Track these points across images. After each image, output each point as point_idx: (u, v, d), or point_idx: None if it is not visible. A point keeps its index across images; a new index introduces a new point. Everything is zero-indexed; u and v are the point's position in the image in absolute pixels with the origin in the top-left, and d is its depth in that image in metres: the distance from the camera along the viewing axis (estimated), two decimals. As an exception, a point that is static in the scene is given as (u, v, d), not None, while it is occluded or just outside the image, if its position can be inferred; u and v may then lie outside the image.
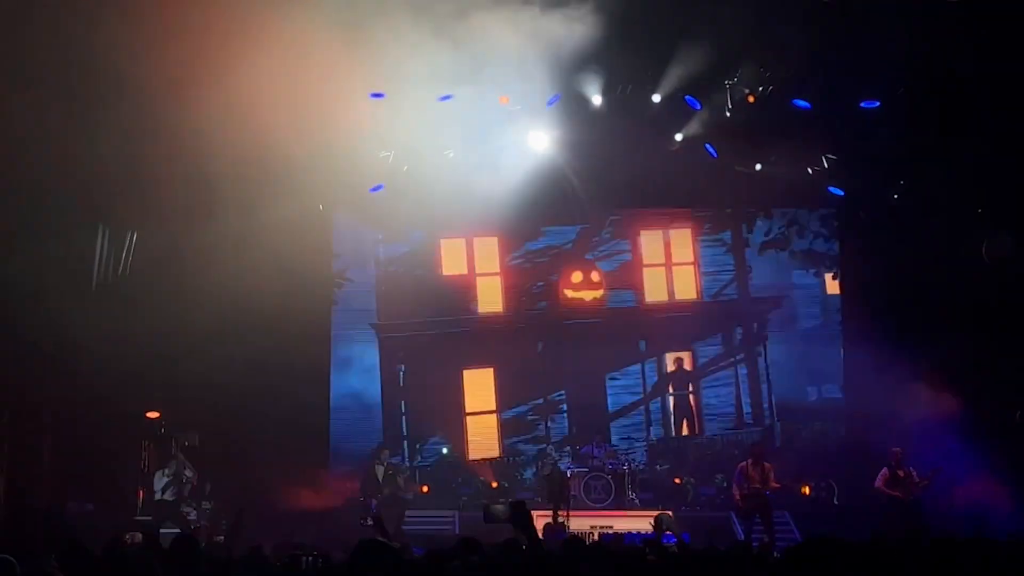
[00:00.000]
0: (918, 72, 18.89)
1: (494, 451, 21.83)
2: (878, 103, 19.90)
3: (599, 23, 17.71)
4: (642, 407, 21.77)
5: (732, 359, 21.83)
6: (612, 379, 22.18)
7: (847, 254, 23.44)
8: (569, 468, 21.40)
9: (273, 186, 18.63)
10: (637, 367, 21.78)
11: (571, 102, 20.23)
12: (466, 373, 21.51)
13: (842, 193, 22.53)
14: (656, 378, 22.06)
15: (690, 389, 21.97)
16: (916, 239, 21.19)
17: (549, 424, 21.64)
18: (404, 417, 21.68)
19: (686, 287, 21.91)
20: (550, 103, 20.39)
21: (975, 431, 19.97)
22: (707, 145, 21.56)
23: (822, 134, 20.82)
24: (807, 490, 22.22)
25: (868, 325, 21.39)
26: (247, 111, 15.64)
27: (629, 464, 22.10)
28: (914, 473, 19.33)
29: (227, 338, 19.82)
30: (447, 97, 19.71)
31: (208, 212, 18.62)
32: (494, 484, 21.80)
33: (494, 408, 21.61)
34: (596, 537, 18.79)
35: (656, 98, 20.14)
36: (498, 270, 21.85)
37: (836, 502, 22.39)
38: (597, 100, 20.01)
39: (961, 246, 20.57)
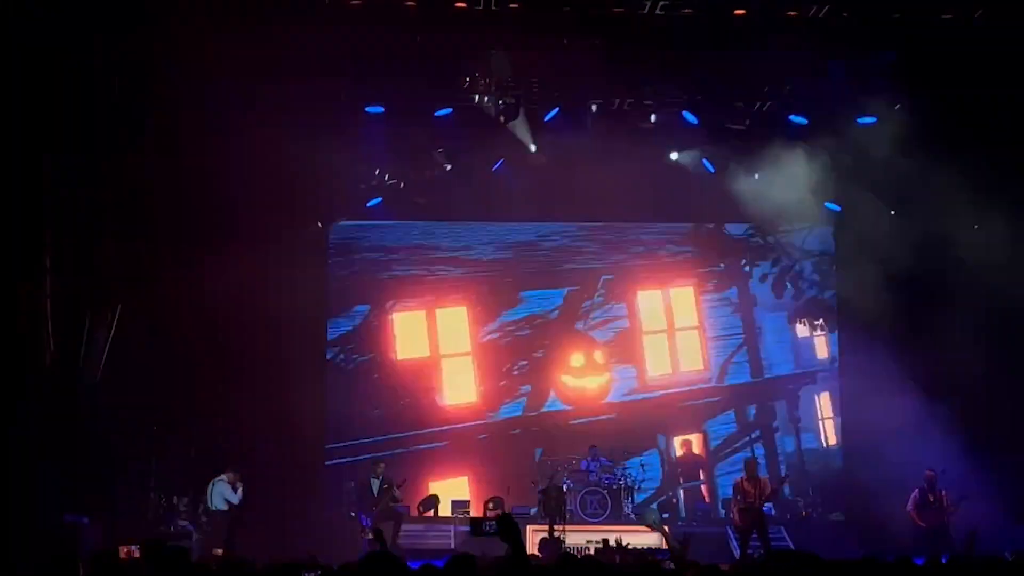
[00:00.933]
0: (914, 88, 18.95)
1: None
2: (875, 119, 19.95)
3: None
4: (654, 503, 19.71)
5: (748, 437, 19.68)
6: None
7: (843, 270, 23.47)
8: (566, 483, 21.38)
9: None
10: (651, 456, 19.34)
11: (568, 115, 20.29)
12: (432, 484, 18.94)
13: (839, 209, 22.58)
14: (662, 461, 19.74)
15: (702, 478, 20.19)
16: (914, 254, 21.24)
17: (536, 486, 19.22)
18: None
19: (692, 357, 19.43)
20: (548, 117, 20.46)
21: (972, 445, 20.02)
22: (704, 160, 21.64)
23: (819, 149, 20.82)
24: (805, 515, 22.19)
25: (864, 339, 21.39)
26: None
27: (625, 479, 22.10)
28: (945, 497, 19.30)
29: (222, 349, 19.92)
30: (445, 111, 19.82)
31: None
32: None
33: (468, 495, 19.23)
34: (591, 552, 18.78)
35: (653, 118, 20.16)
36: (469, 349, 18.79)
37: (832, 518, 22.42)
38: (594, 109, 19.99)
39: (958, 258, 20.60)
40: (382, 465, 20.86)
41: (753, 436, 19.84)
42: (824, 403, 20.76)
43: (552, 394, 19.02)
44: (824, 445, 20.75)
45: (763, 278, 22.19)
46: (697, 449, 20.00)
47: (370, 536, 14.72)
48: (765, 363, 19.85)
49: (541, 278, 19.22)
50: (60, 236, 16.17)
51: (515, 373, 18.96)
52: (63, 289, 16.42)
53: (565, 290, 19.42)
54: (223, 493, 19.33)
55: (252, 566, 9.23)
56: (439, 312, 18.50)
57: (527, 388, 19.10)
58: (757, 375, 19.79)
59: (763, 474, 20.05)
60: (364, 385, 18.52)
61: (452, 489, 19.02)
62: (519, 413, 18.87)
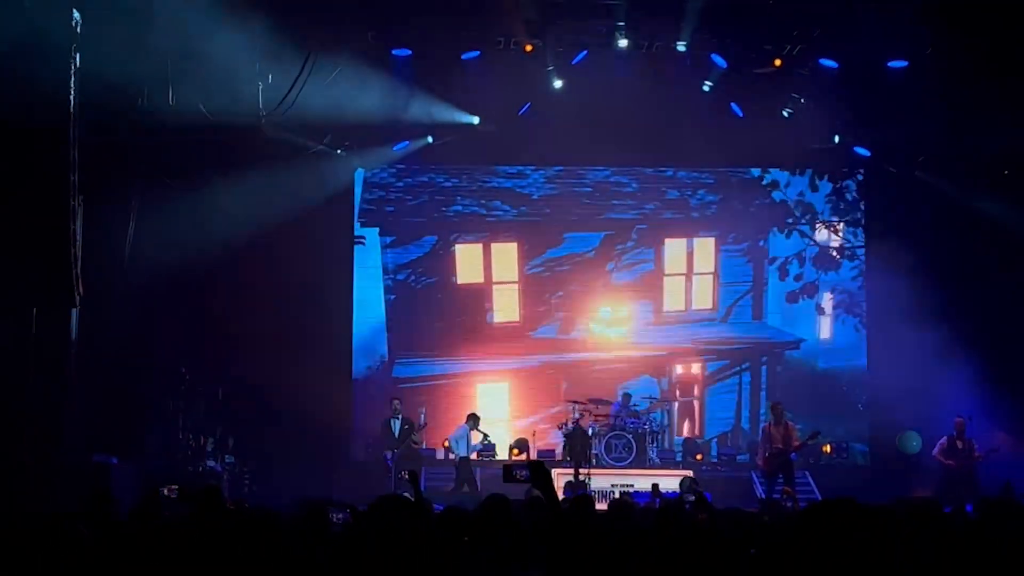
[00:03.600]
0: (946, 32, 18.73)
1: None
2: (906, 63, 19.76)
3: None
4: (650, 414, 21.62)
5: (738, 368, 22.01)
6: (623, 388, 21.73)
7: (872, 216, 23.36)
8: (591, 427, 21.46)
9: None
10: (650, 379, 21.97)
11: (597, 55, 20.18)
12: (480, 386, 21.51)
13: (868, 154, 22.43)
14: (666, 384, 22.13)
15: (695, 394, 22.05)
16: (942, 200, 21.13)
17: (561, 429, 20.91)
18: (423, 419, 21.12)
19: (703, 296, 21.75)
20: (575, 60, 20.35)
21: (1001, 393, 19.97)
22: (732, 104, 21.48)
23: (849, 93, 20.63)
24: (828, 449, 22.20)
25: (892, 288, 21.30)
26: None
27: (650, 423, 22.20)
28: (975, 445, 19.29)
29: (251, 293, 19.99)
30: (472, 54, 19.75)
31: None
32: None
33: (506, 418, 21.55)
34: (617, 495, 18.90)
35: (681, 46, 19.91)
36: (516, 279, 21.50)
37: (857, 463, 22.47)
38: (623, 43, 19.83)
39: (986, 206, 20.46)
40: (398, 402, 20.94)
41: (743, 367, 22.00)
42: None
43: (580, 324, 21.83)
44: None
45: (787, 227, 23.09)
46: (696, 371, 22.14)
47: (405, 477, 14.81)
48: (766, 310, 22.08)
49: (583, 223, 21.76)
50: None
51: (552, 301, 21.74)
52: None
53: (602, 234, 21.92)
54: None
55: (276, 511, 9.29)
56: (494, 246, 21.45)
57: (561, 315, 21.79)
58: (757, 318, 22.05)
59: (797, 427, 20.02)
60: (428, 302, 21.36)
61: (491, 398, 21.47)
62: (553, 335, 21.68)
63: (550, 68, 20.18)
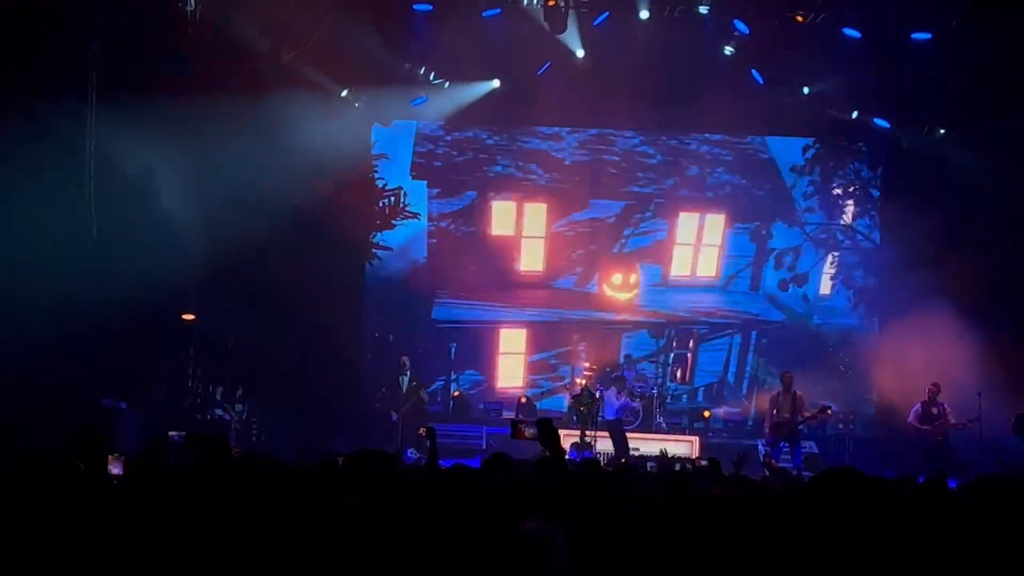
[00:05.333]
0: (971, 4, 18.57)
1: (519, 383, 23.21)
2: (930, 35, 19.61)
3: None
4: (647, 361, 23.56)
5: (730, 328, 23.76)
6: (627, 336, 23.71)
7: (889, 188, 23.29)
8: (599, 390, 21.48)
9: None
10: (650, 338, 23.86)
11: (617, 21, 20.07)
12: (503, 331, 23.49)
13: (888, 125, 22.30)
14: (664, 341, 23.91)
15: (689, 347, 23.76)
16: (962, 176, 20.98)
17: (570, 367, 23.24)
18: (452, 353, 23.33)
19: (708, 264, 23.51)
20: (597, 21, 20.25)
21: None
22: (753, 71, 21.36)
23: (871, 65, 20.49)
24: (828, 411, 22.12)
25: (907, 257, 21.27)
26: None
27: (658, 388, 22.25)
28: (948, 411, 19.21)
29: (260, 238, 19.95)
30: (493, 12, 19.66)
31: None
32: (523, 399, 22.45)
33: (523, 351, 23.47)
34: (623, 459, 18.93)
35: (703, 8, 19.79)
36: (543, 234, 23.38)
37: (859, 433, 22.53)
38: (644, 15, 19.74)
39: (1008, 183, 20.34)
40: (405, 360, 21.00)
41: (733, 328, 23.63)
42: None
43: (594, 280, 23.65)
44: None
45: (806, 195, 23.89)
46: (692, 329, 23.72)
47: (422, 433, 14.88)
48: (764, 283, 23.75)
49: (608, 192, 23.50)
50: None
51: (573, 257, 23.54)
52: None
53: (624, 203, 23.61)
54: None
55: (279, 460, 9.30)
56: (526, 205, 23.38)
57: (580, 270, 23.66)
58: (755, 289, 23.73)
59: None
60: (466, 248, 23.19)
61: (511, 342, 23.43)
62: (571, 286, 23.61)
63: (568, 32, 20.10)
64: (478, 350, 23.39)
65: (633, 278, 23.43)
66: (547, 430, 7.09)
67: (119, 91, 16.68)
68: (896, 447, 20.34)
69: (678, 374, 23.76)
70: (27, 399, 15.55)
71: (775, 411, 19.31)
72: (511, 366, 23.40)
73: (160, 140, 17.81)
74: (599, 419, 20.27)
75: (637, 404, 21.58)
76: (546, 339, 23.52)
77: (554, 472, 6.90)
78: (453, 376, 23.40)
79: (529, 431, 7.28)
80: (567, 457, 11.10)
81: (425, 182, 23.28)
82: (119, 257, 16.89)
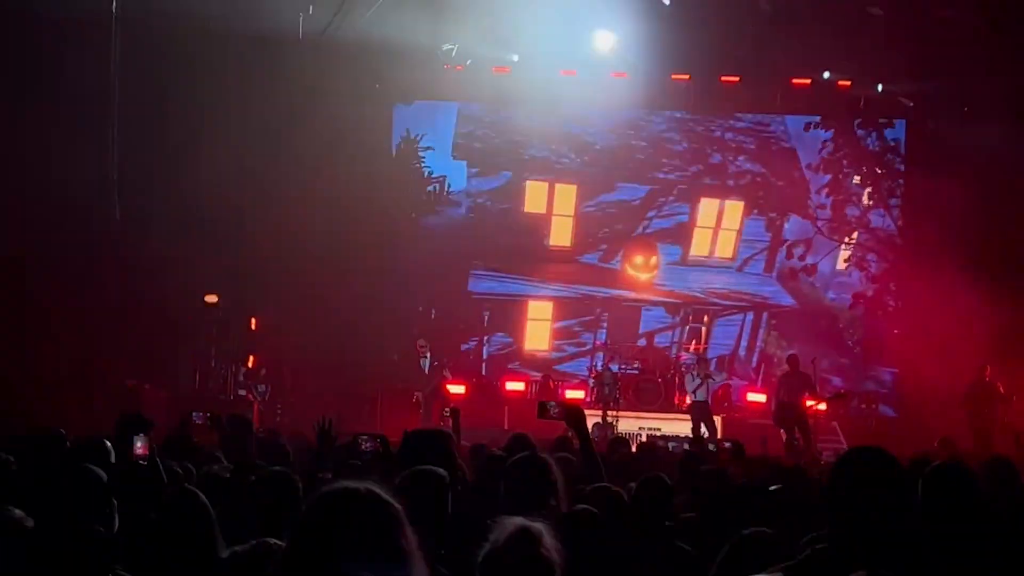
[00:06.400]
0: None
1: (545, 346, 24.17)
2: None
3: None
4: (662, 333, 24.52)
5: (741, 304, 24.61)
6: (646, 311, 24.54)
7: (914, 168, 23.23)
8: (621, 369, 21.52)
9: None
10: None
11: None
12: (531, 303, 24.61)
13: (911, 104, 22.22)
14: (680, 314, 24.79)
15: (704, 321, 24.66)
16: (985, 152, 20.85)
17: (592, 334, 24.21)
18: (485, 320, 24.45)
19: (725, 247, 24.47)
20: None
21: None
22: (777, 53, 21.30)
23: (894, 41, 20.41)
24: (844, 396, 22.12)
25: (931, 237, 21.21)
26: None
27: (679, 368, 22.27)
28: (1000, 387, 19.03)
29: (287, 225, 20.05)
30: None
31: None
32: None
33: (550, 318, 24.51)
34: (644, 438, 18.95)
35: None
36: (572, 213, 24.41)
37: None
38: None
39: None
40: (424, 343, 21.07)
41: (746, 307, 24.51)
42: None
43: (617, 257, 24.55)
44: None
45: (821, 187, 24.14)
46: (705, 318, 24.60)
47: (447, 413, 14.95)
48: (777, 266, 24.52)
49: (634, 176, 24.38)
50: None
51: (599, 234, 24.47)
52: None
53: (649, 188, 24.46)
54: None
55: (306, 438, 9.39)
56: (557, 186, 24.33)
57: (604, 246, 24.58)
58: (768, 271, 24.58)
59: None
60: (502, 222, 24.19)
61: (539, 311, 24.50)
62: (595, 262, 24.50)
63: None
64: (508, 316, 24.50)
65: (653, 260, 24.28)
66: (573, 413, 7.13)
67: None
68: (925, 425, 20.25)
69: (692, 345, 24.37)
70: (54, 380, 15.69)
71: (779, 392, 19.45)
72: (538, 331, 24.49)
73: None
74: (620, 399, 20.28)
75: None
76: (570, 310, 24.51)
77: (583, 454, 6.94)
78: (485, 339, 24.44)
79: (555, 411, 7.28)
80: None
81: (465, 162, 24.30)
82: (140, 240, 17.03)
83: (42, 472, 5.68)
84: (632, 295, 24.36)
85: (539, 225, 24.44)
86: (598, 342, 23.64)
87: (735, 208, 24.32)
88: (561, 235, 24.41)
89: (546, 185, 24.35)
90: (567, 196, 24.29)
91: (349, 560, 3.08)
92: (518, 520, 3.97)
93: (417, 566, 3.18)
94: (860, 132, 23.70)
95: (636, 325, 24.26)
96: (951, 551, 4.72)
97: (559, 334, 24.33)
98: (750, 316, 24.48)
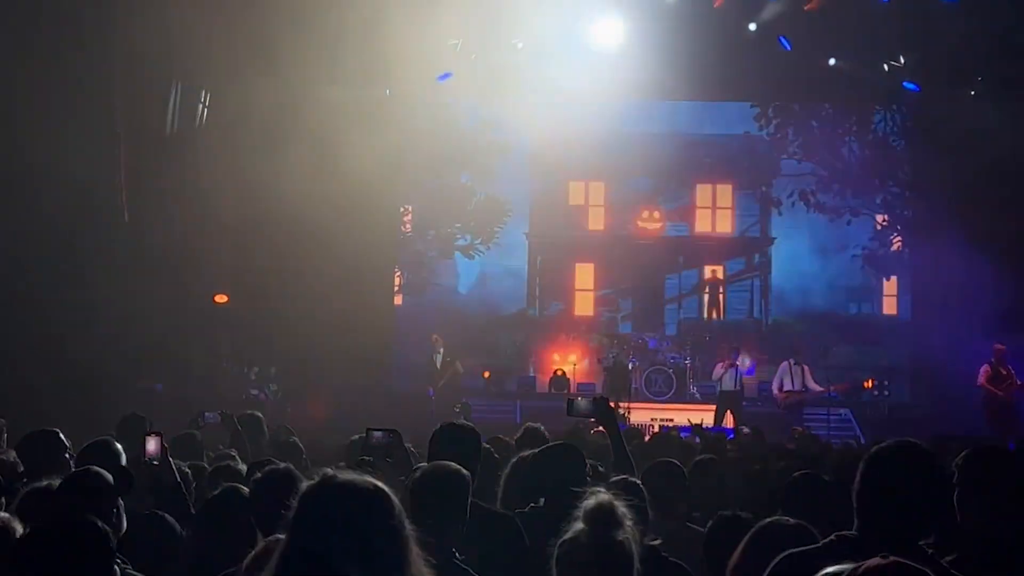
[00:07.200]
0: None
1: (590, 311, 27.83)
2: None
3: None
4: (686, 299, 28.25)
5: (750, 274, 28.38)
6: (668, 279, 28.26)
7: (917, 158, 23.21)
8: (632, 361, 21.52)
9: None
10: (687, 272, 28.45)
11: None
12: (577, 266, 28.59)
13: (917, 89, 22.14)
14: (697, 281, 28.32)
15: (720, 291, 28.05)
16: (992, 138, 20.74)
17: (623, 302, 28.04)
18: (538, 287, 27.94)
19: (723, 223, 28.59)
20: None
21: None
22: (780, 38, 21.25)
23: (899, 29, 20.34)
24: (870, 383, 22.17)
25: (936, 229, 21.13)
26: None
27: (692, 359, 22.26)
28: (1014, 373, 18.81)
29: (294, 222, 20.03)
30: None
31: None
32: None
33: (592, 287, 28.40)
34: (656, 429, 18.94)
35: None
36: (603, 203, 28.62)
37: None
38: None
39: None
40: (437, 337, 21.08)
41: (754, 275, 28.15)
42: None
43: (640, 225, 28.43)
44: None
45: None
46: (719, 275, 28.03)
47: (457, 409, 14.98)
48: (770, 232, 28.13)
49: (644, 171, 27.02)
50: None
51: (625, 214, 28.23)
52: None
53: (654, 180, 27.77)
54: None
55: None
56: (590, 184, 28.54)
57: (630, 224, 28.34)
58: (764, 234, 28.24)
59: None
60: (551, 213, 28.22)
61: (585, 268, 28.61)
62: (625, 232, 28.26)
63: None
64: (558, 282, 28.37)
65: (657, 214, 28.27)
66: (604, 409, 7.09)
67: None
68: (940, 409, 20.22)
69: (714, 314, 27.38)
70: (64, 382, 15.69)
71: (783, 381, 19.57)
72: (584, 299, 28.53)
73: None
74: (632, 390, 20.29)
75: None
76: (608, 274, 28.32)
77: (614, 448, 6.90)
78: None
79: (584, 404, 7.21)
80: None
81: (529, 171, 27.34)
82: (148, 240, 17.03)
83: (46, 474, 5.66)
84: (650, 242, 27.89)
85: (581, 212, 28.67)
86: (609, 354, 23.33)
87: (726, 190, 28.27)
88: (596, 219, 28.60)
89: (584, 184, 28.60)
90: (598, 190, 28.52)
91: (339, 554, 3.07)
92: (603, 497, 4.00)
93: (414, 563, 3.16)
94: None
95: (660, 296, 28.09)
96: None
97: (600, 302, 27.99)
98: (757, 282, 27.80)
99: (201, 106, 19.50)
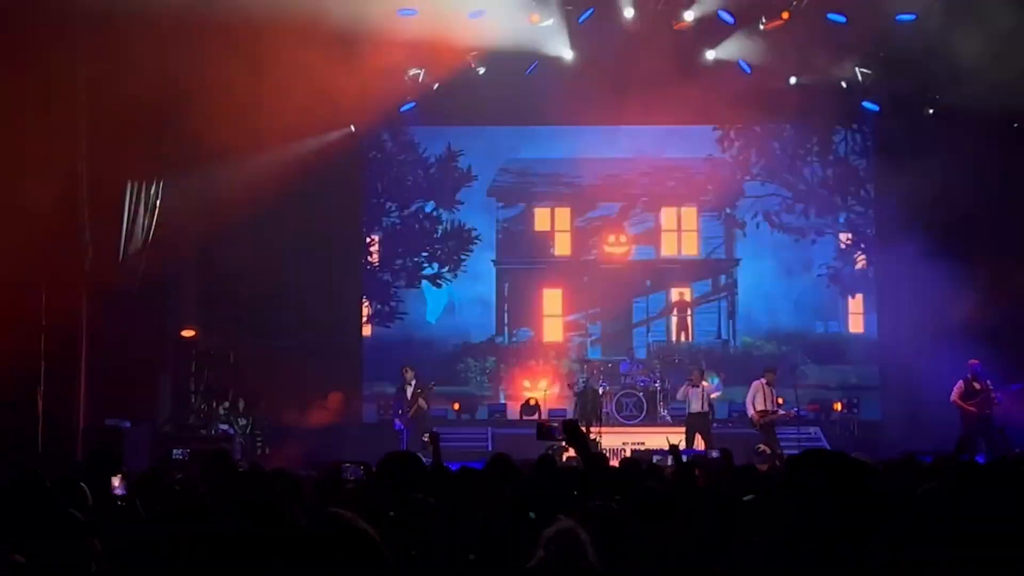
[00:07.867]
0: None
1: (559, 337, 27.03)
2: (914, 16, 19.61)
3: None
4: (654, 322, 27.46)
5: (717, 295, 27.70)
6: (636, 302, 27.39)
7: (880, 173, 23.39)
8: (602, 385, 21.54)
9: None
10: (655, 295, 27.73)
11: (603, 19, 20.14)
12: (545, 291, 27.61)
13: (877, 108, 22.33)
14: (664, 304, 27.50)
15: (688, 313, 27.52)
16: (951, 155, 20.91)
17: (591, 326, 27.07)
18: (507, 314, 27.00)
19: (690, 246, 27.91)
20: (582, 18, 20.30)
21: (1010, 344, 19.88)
22: (740, 61, 21.41)
23: (857, 48, 20.53)
24: (839, 407, 22.37)
25: (899, 246, 21.28)
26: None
27: (661, 381, 22.29)
28: (991, 386, 18.90)
29: (263, 255, 19.99)
30: (478, 13, 19.66)
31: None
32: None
33: (561, 313, 27.58)
34: (628, 453, 18.96)
35: (689, 15, 20.00)
36: (568, 229, 27.98)
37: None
38: (629, 13, 19.87)
39: (997, 162, 20.34)
40: (410, 371, 21.07)
41: (721, 296, 27.45)
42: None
43: (605, 249, 27.57)
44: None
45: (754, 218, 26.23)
46: (687, 297, 27.29)
47: (426, 439, 14.95)
48: (738, 255, 27.44)
49: (610, 196, 27.38)
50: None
51: (590, 241, 27.40)
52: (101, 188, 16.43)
53: (620, 204, 27.43)
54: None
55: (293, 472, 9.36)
56: (556, 210, 27.90)
57: (595, 251, 27.35)
58: (728, 255, 27.48)
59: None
60: (519, 240, 27.65)
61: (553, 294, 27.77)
62: (593, 257, 27.63)
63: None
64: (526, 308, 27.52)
65: (623, 238, 27.63)
66: (574, 432, 7.14)
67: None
68: (911, 426, 20.32)
69: (682, 336, 26.82)
70: (30, 421, 15.58)
71: (762, 401, 19.64)
72: (552, 325, 27.73)
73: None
74: (603, 415, 20.31)
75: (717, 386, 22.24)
76: (575, 299, 27.55)
77: (587, 471, 6.91)
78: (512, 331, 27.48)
79: (556, 433, 7.31)
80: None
81: (495, 198, 27.41)
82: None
83: (23, 515, 5.62)
84: (617, 267, 27.23)
85: (545, 240, 27.97)
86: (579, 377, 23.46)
87: (690, 213, 27.61)
88: (563, 245, 28.00)
89: (549, 210, 27.96)
90: (564, 216, 27.94)
91: None
92: (565, 524, 3.98)
93: None
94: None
95: (628, 320, 27.15)
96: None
97: (568, 327, 27.22)
98: (724, 303, 27.32)
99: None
